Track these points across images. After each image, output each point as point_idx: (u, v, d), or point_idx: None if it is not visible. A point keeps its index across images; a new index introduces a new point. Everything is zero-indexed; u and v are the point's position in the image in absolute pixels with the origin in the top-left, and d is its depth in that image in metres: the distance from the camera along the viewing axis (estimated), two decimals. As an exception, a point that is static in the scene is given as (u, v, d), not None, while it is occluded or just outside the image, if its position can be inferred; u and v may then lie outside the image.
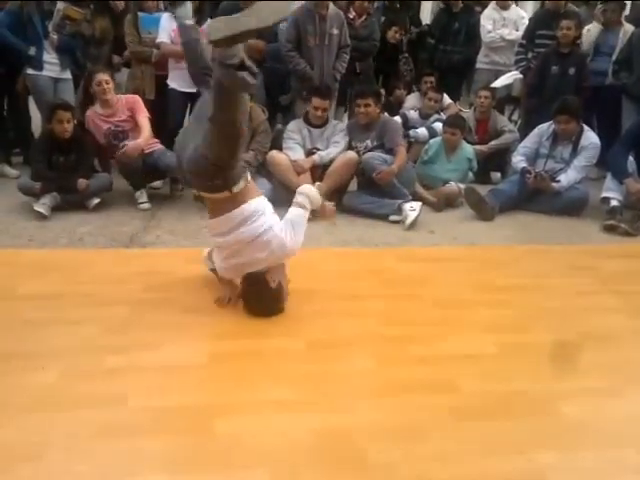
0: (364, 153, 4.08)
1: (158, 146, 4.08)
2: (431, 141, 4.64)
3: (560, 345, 2.51)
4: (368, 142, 4.13)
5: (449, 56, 5.78)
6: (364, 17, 5.07)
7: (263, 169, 4.26)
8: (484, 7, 5.92)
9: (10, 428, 1.88)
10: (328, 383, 2.18)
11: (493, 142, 4.99)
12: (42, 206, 3.64)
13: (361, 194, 4.13)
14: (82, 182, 3.76)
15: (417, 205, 3.88)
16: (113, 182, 4.03)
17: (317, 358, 2.35)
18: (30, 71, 4.34)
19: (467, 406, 2.07)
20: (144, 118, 3.96)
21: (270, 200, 4.07)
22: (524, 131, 4.89)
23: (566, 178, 4.21)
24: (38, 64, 4.31)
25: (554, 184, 4.21)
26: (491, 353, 2.42)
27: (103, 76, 3.92)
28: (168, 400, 2.06)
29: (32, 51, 4.27)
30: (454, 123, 4.49)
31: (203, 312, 2.65)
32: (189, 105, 4.32)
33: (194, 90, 4.35)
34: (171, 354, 2.32)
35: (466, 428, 1.95)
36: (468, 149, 4.59)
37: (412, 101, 5.34)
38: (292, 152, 4.08)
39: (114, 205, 3.94)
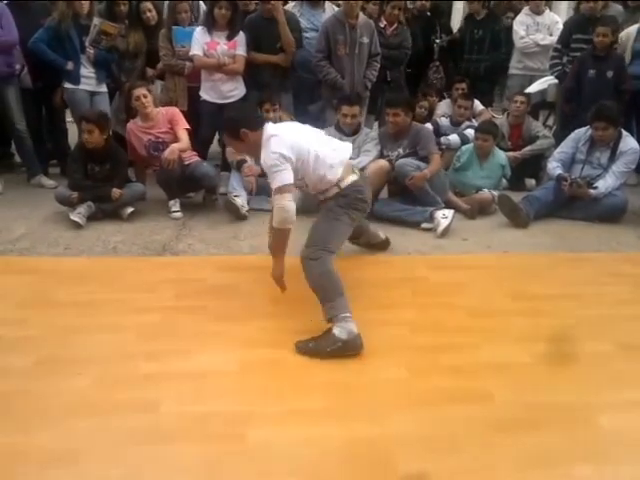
0: (396, 161, 4.07)
1: (195, 158, 4.17)
2: (463, 148, 4.61)
3: (598, 355, 2.45)
4: (400, 150, 4.12)
5: (476, 64, 5.77)
6: (395, 25, 5.08)
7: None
8: (516, 13, 5.88)
9: (46, 433, 1.94)
10: (359, 392, 2.18)
11: (527, 148, 4.92)
12: (78, 215, 3.75)
13: (392, 202, 4.12)
14: (116, 191, 3.86)
15: (449, 213, 3.85)
16: (146, 191, 4.13)
17: (348, 367, 2.35)
18: (67, 85, 4.49)
19: (502, 417, 2.04)
20: (183, 130, 4.06)
21: (300, 209, 4.14)
22: (560, 136, 4.81)
23: (604, 184, 4.12)
24: (75, 78, 4.46)
25: (591, 191, 4.12)
26: (526, 363, 2.38)
27: (141, 91, 4.03)
28: (200, 407, 2.09)
29: (69, 65, 4.42)
30: (486, 129, 4.45)
31: (234, 320, 2.69)
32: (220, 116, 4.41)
33: (225, 101, 4.47)
34: (203, 361, 2.35)
35: (501, 440, 1.92)
36: (501, 155, 4.54)
37: (443, 108, 5.32)
38: (321, 160, 4.09)
39: (147, 214, 4.03)
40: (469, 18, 5.99)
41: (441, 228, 3.76)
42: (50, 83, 4.60)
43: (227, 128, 2.77)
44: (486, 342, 2.52)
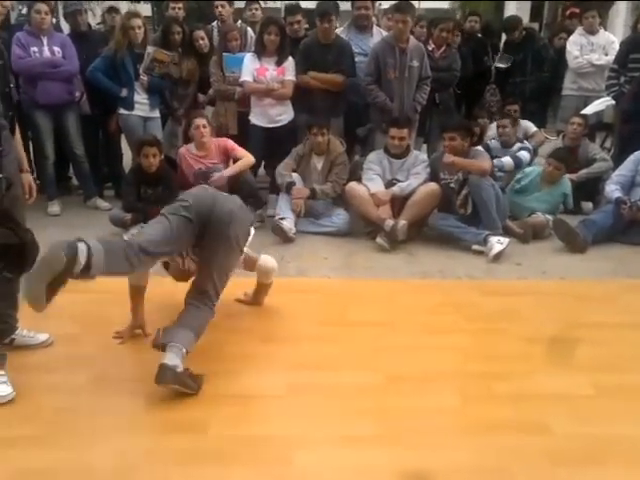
0: (459, 188, 4.03)
1: None
2: (527, 170, 4.55)
3: (666, 388, 2.33)
4: (460, 175, 4.06)
5: (520, 87, 5.74)
6: (443, 48, 5.10)
7: (340, 200, 4.32)
8: (569, 34, 5.82)
9: (95, 451, 1.98)
10: (409, 419, 2.14)
11: (584, 171, 4.81)
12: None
13: (449, 216, 4.07)
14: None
15: (505, 240, 3.78)
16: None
17: (398, 393, 2.32)
18: (122, 111, 4.69)
19: (560, 450, 1.96)
20: (240, 150, 4.21)
21: (347, 232, 4.19)
22: (618, 159, 4.68)
23: (666, 208, 3.97)
24: (129, 104, 4.65)
25: (652, 214, 3.97)
26: (586, 394, 2.29)
27: (202, 121, 4.20)
28: (247, 429, 2.10)
29: (124, 92, 4.62)
30: (561, 157, 4.39)
31: (280, 342, 2.70)
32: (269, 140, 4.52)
33: (273, 125, 4.57)
34: (249, 383, 2.37)
35: (559, 474, 1.85)
36: (566, 184, 4.44)
37: (494, 130, 5.27)
38: (371, 183, 4.11)
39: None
40: (508, 42, 6.03)
41: (494, 252, 3.69)
42: (106, 109, 4.81)
43: None
44: (543, 371, 2.44)
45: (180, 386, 2.22)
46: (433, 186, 4.04)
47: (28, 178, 2.56)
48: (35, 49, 4.39)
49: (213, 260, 2.42)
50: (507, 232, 4.04)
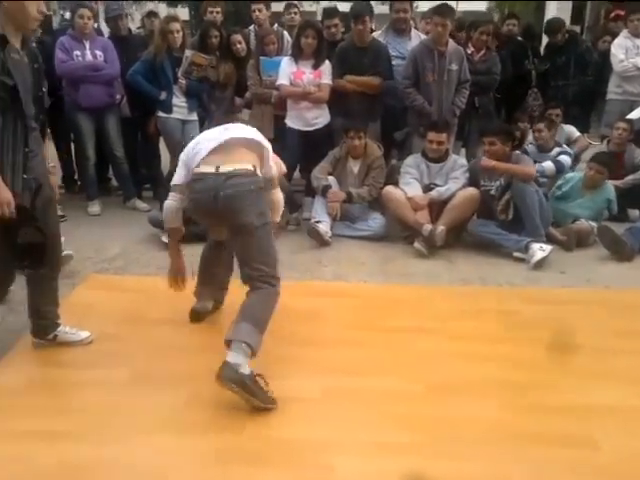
0: (500, 194, 3.97)
1: None
2: (567, 176, 4.46)
3: None
4: (501, 180, 3.99)
5: (564, 91, 5.62)
6: (483, 51, 5.04)
7: (377, 204, 4.31)
8: (614, 37, 5.69)
9: (135, 448, 2.02)
10: (449, 429, 2.12)
11: (630, 177, 4.68)
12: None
13: (489, 222, 4.01)
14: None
15: (548, 248, 3.70)
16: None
17: (437, 402, 2.30)
18: (161, 114, 4.76)
19: (607, 465, 1.91)
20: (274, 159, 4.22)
21: (383, 236, 4.17)
22: (666, 165, 4.54)
23: None
24: (168, 107, 4.73)
25: (703, 222, 3.84)
26: (635, 406, 2.22)
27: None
28: (283, 432, 2.11)
29: (163, 96, 4.70)
30: (603, 161, 4.28)
31: (317, 346, 2.70)
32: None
33: (309, 129, 4.58)
34: (285, 386, 2.36)
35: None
36: (609, 190, 4.32)
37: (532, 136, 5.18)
38: (409, 188, 4.08)
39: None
40: (550, 46, 5.91)
41: (535, 259, 3.62)
42: (145, 112, 4.90)
43: None
44: (588, 382, 2.38)
45: (240, 389, 2.15)
46: (472, 191, 3.99)
47: (53, 179, 2.65)
48: (78, 53, 4.51)
49: (246, 249, 2.38)
50: (550, 239, 3.95)
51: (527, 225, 3.88)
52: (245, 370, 2.17)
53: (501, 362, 2.55)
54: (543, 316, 2.98)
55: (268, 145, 2.60)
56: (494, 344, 2.70)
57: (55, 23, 12.48)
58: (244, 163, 2.38)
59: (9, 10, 2.17)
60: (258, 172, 2.42)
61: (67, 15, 5.65)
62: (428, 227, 3.86)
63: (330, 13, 4.94)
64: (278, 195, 2.70)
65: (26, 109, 2.25)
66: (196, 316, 2.91)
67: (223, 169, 2.34)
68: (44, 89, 2.42)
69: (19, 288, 2.84)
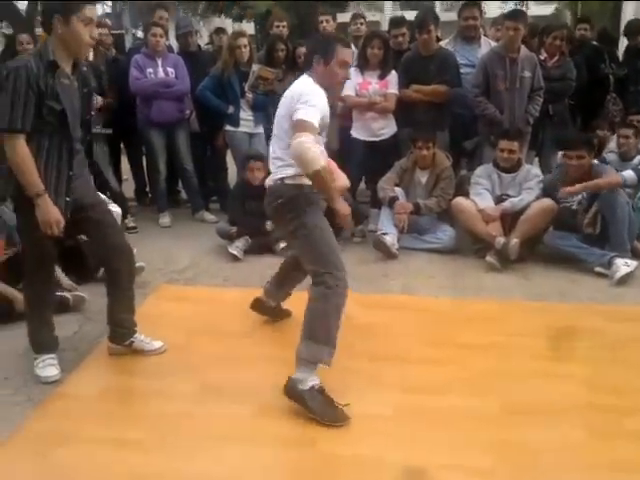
0: (583, 211, 3.81)
1: None
2: None
3: None
4: (582, 196, 3.82)
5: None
6: (557, 57, 4.87)
7: (445, 216, 4.22)
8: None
9: (206, 458, 2.04)
10: (528, 454, 2.03)
11: None
12: (236, 249, 4.02)
13: (568, 235, 3.82)
14: (269, 225, 4.09)
15: (633, 263, 3.51)
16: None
17: (514, 424, 2.20)
18: (228, 127, 4.87)
19: None
20: (336, 174, 4.22)
21: (453, 249, 4.07)
22: None
23: None
24: (235, 121, 4.83)
25: None
26: None
27: None
28: (353, 449, 2.08)
29: (231, 110, 4.81)
30: None
31: (387, 361, 2.65)
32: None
33: (375, 139, 4.56)
34: (357, 402, 2.33)
35: None
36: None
37: (614, 143, 4.93)
38: (480, 198, 3.97)
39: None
40: (630, 49, 5.63)
41: (619, 274, 3.42)
42: (213, 126, 5.03)
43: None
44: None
45: (300, 404, 2.21)
46: (548, 202, 3.82)
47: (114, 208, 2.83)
48: (150, 70, 4.69)
49: (300, 254, 2.44)
50: (635, 254, 3.74)
51: (612, 239, 3.67)
52: (304, 386, 2.20)
53: (584, 383, 2.42)
54: (628, 335, 2.82)
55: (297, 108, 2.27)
56: (575, 364, 2.58)
57: (128, 42, 13.19)
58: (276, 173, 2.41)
59: (62, 36, 2.26)
60: (287, 180, 2.36)
61: (140, 34, 5.87)
62: (501, 240, 3.74)
63: (397, 22, 4.92)
64: (295, 143, 2.20)
65: (73, 133, 2.35)
66: (257, 305, 2.95)
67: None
68: (92, 112, 2.52)
69: (97, 297, 2.96)
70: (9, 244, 3.27)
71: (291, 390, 2.23)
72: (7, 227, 3.21)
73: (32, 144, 2.27)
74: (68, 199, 2.38)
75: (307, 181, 2.33)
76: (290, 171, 2.34)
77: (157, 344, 2.76)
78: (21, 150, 2.23)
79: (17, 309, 2.95)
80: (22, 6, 11.29)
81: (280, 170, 2.39)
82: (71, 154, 2.37)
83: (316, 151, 2.17)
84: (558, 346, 2.73)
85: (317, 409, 2.19)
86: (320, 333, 2.25)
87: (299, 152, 2.16)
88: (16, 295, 2.95)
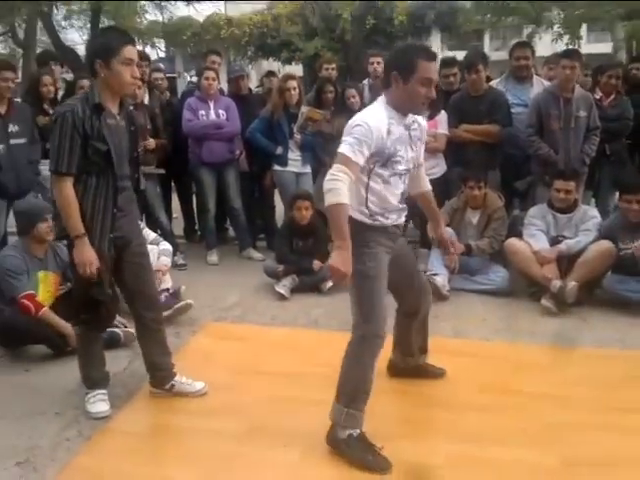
0: None
1: None
2: None
3: None
4: None
5: None
6: (612, 96, 4.81)
7: (499, 257, 4.14)
8: None
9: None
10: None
11: None
12: (283, 287, 4.05)
13: (628, 279, 3.69)
14: (317, 263, 4.12)
15: None
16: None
17: (575, 478, 2.09)
18: (276, 167, 4.98)
19: None
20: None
21: (506, 291, 3.98)
22: None
23: None
24: (283, 161, 4.94)
25: None
26: None
27: None
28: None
29: (279, 151, 4.92)
30: None
31: (439, 407, 2.60)
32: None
33: (426, 179, 4.56)
34: (407, 449, 2.29)
35: None
36: None
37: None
38: (534, 240, 3.89)
39: (346, 289, 4.13)
40: None
41: (684, 321, 3.27)
42: (262, 166, 5.15)
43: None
44: None
45: (339, 452, 2.24)
46: (606, 245, 3.70)
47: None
48: (202, 112, 4.86)
49: (350, 295, 2.36)
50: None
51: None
52: (341, 434, 2.23)
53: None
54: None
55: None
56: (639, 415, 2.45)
57: (180, 85, 13.77)
58: None
59: (105, 79, 2.37)
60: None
61: (194, 78, 6.12)
62: (557, 283, 3.64)
63: (448, 62, 4.97)
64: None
65: (118, 171, 2.43)
66: (392, 368, 2.86)
67: None
68: (139, 150, 2.61)
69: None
70: (64, 280, 3.40)
71: (331, 437, 2.27)
72: (63, 264, 3.34)
73: (79, 184, 2.36)
74: (112, 235, 2.44)
75: (366, 218, 2.27)
76: (353, 203, 2.21)
77: (199, 385, 2.76)
78: (66, 192, 2.33)
79: (70, 343, 3.04)
80: (81, 52, 12.05)
81: None
82: (116, 192, 2.44)
83: (338, 185, 2.04)
84: (620, 396, 2.61)
85: (356, 457, 2.21)
86: (344, 392, 2.28)
87: (325, 183, 2.10)
88: (69, 330, 3.04)
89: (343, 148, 2.12)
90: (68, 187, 2.33)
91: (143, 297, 2.64)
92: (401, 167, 2.27)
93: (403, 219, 2.44)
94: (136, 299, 2.64)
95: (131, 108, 2.67)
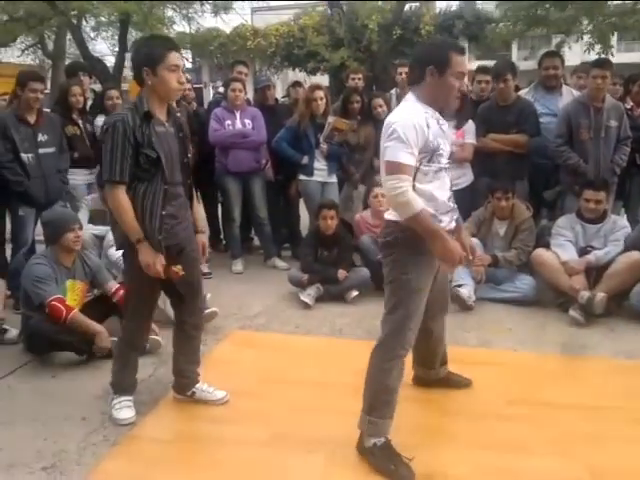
0: None
1: None
2: None
3: None
4: None
5: None
6: (644, 106, 4.78)
7: (527, 268, 4.13)
8: None
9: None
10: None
11: None
12: (307, 296, 4.10)
13: None
14: (342, 273, 4.17)
15: None
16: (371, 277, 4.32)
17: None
18: (302, 177, 5.04)
19: None
20: None
21: (533, 299, 3.95)
22: None
23: None
24: (309, 171, 5.00)
25: None
26: None
27: (381, 190, 4.36)
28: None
29: (305, 160, 4.98)
30: None
31: (464, 417, 2.61)
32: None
33: (452, 189, 4.54)
34: (432, 459, 2.30)
35: None
36: None
37: None
38: (562, 250, 3.87)
39: (370, 299, 4.15)
40: None
41: None
42: (287, 176, 5.22)
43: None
44: None
45: (366, 460, 2.28)
46: (636, 255, 3.68)
47: (202, 238, 2.83)
48: (229, 122, 4.96)
49: (385, 301, 2.35)
50: None
51: None
52: (367, 443, 2.28)
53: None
54: None
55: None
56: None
57: (206, 95, 13.99)
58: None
59: (152, 86, 2.44)
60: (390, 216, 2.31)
61: (221, 89, 6.24)
62: (585, 294, 3.62)
63: (483, 69, 4.99)
64: (385, 190, 2.23)
65: (170, 177, 2.49)
66: (417, 380, 2.88)
67: None
68: (189, 155, 2.68)
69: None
70: (91, 288, 3.51)
71: (359, 445, 2.32)
72: (91, 272, 3.44)
73: (131, 191, 2.43)
74: (160, 238, 2.48)
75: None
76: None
77: (220, 394, 2.80)
78: (121, 199, 2.40)
79: (97, 344, 3.11)
80: (109, 63, 12.36)
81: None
82: (165, 197, 2.48)
83: (407, 196, 2.05)
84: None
85: (379, 466, 2.24)
86: (365, 400, 2.33)
87: (391, 198, 2.11)
88: (100, 328, 3.13)
89: (389, 155, 2.10)
90: (122, 194, 2.40)
91: (190, 303, 2.71)
92: (444, 160, 2.25)
93: (454, 224, 2.36)
94: (183, 304, 2.71)
95: (178, 114, 2.72)
